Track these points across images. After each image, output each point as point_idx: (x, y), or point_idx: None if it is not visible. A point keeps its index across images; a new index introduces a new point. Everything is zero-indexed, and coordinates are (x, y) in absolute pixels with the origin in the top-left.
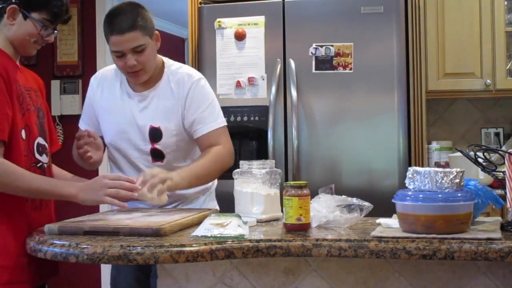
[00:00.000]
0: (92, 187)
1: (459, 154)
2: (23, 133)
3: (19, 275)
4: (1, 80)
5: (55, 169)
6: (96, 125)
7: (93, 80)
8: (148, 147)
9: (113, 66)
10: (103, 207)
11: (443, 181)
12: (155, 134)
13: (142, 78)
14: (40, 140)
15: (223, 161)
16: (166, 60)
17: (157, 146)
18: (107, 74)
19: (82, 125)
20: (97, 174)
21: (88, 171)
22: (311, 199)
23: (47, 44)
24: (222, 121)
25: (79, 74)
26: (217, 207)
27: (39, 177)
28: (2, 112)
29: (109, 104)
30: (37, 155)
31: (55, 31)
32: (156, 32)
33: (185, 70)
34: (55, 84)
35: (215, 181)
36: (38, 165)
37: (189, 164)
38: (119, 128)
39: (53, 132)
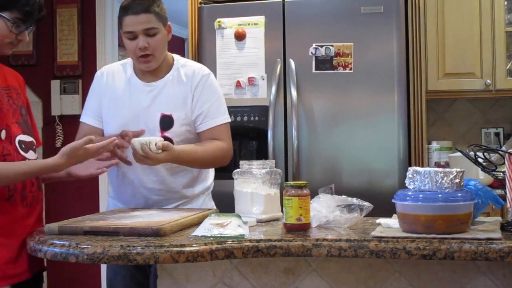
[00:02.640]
0: (75, 154)
1: (459, 154)
2: (2, 133)
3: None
4: None
5: None
6: (100, 118)
7: (99, 73)
8: (158, 135)
9: (119, 62)
10: (103, 207)
11: (443, 181)
12: (166, 122)
13: (151, 65)
14: (22, 137)
15: (223, 155)
16: (175, 55)
17: (167, 134)
18: (113, 68)
19: (85, 118)
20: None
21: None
22: (311, 199)
23: (47, 44)
24: (227, 117)
25: (79, 74)
26: (215, 208)
27: (17, 162)
28: None
29: (116, 96)
30: (22, 153)
31: (30, 27)
32: (169, 23)
33: (195, 64)
34: (55, 84)
35: (213, 181)
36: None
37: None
38: (131, 119)
39: (35, 129)
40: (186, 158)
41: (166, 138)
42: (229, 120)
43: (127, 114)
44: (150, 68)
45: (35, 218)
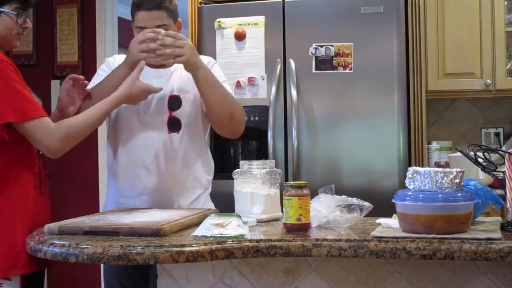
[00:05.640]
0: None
1: (459, 154)
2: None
3: (18, 260)
4: (14, 68)
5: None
6: None
7: (111, 58)
8: (166, 115)
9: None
10: (103, 207)
11: (443, 181)
12: (174, 102)
13: (160, 59)
14: None
15: (241, 109)
16: None
17: (175, 114)
18: (122, 58)
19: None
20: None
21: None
22: (311, 199)
23: (47, 44)
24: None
25: (79, 74)
26: (214, 208)
27: (87, 110)
28: (30, 94)
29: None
30: None
31: (28, 15)
32: (180, 20)
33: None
34: (55, 84)
35: (211, 182)
36: (40, 152)
37: None
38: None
39: None
40: (210, 75)
41: (174, 118)
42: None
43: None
44: (158, 63)
45: (49, 210)
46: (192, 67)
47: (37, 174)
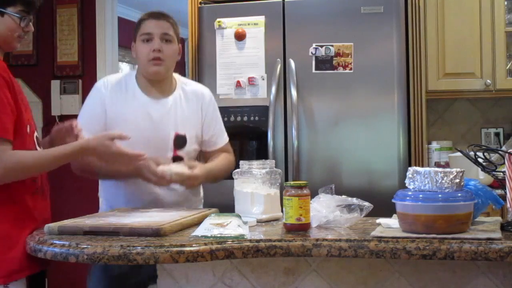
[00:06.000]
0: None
1: (459, 154)
2: (28, 128)
3: (19, 264)
4: (3, 80)
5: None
6: (101, 124)
7: (100, 85)
8: (170, 154)
9: (118, 75)
10: (102, 207)
11: (443, 181)
12: (180, 141)
13: (160, 69)
14: (36, 133)
15: (233, 165)
16: (175, 74)
17: (179, 153)
18: (113, 80)
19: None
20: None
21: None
22: (311, 199)
23: (47, 44)
24: (227, 139)
25: (79, 74)
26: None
27: (44, 150)
28: (4, 112)
29: (125, 111)
30: (37, 147)
31: (31, 18)
32: (180, 45)
33: (195, 83)
34: (55, 84)
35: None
36: None
37: (207, 163)
38: (141, 136)
39: None
40: (215, 172)
41: (177, 157)
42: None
43: (144, 128)
44: (158, 74)
45: (48, 212)
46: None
47: (35, 180)
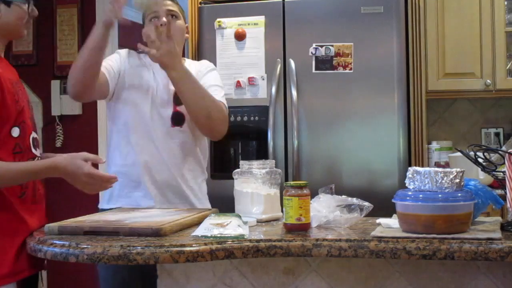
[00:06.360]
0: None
1: (459, 154)
2: (16, 130)
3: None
4: (3, 83)
5: None
6: (115, 78)
7: (121, 51)
8: (169, 110)
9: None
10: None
11: (443, 181)
12: (179, 98)
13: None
14: (34, 134)
15: (221, 108)
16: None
17: (179, 108)
18: (133, 52)
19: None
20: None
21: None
22: (311, 199)
23: (47, 44)
24: (224, 101)
25: None
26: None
27: (13, 163)
28: None
29: (135, 71)
30: (33, 150)
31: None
32: (187, 25)
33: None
34: (55, 84)
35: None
36: (35, 159)
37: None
38: (147, 89)
39: None
40: (190, 76)
41: (178, 113)
42: (225, 104)
43: (148, 84)
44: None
45: (42, 215)
46: (165, 67)
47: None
